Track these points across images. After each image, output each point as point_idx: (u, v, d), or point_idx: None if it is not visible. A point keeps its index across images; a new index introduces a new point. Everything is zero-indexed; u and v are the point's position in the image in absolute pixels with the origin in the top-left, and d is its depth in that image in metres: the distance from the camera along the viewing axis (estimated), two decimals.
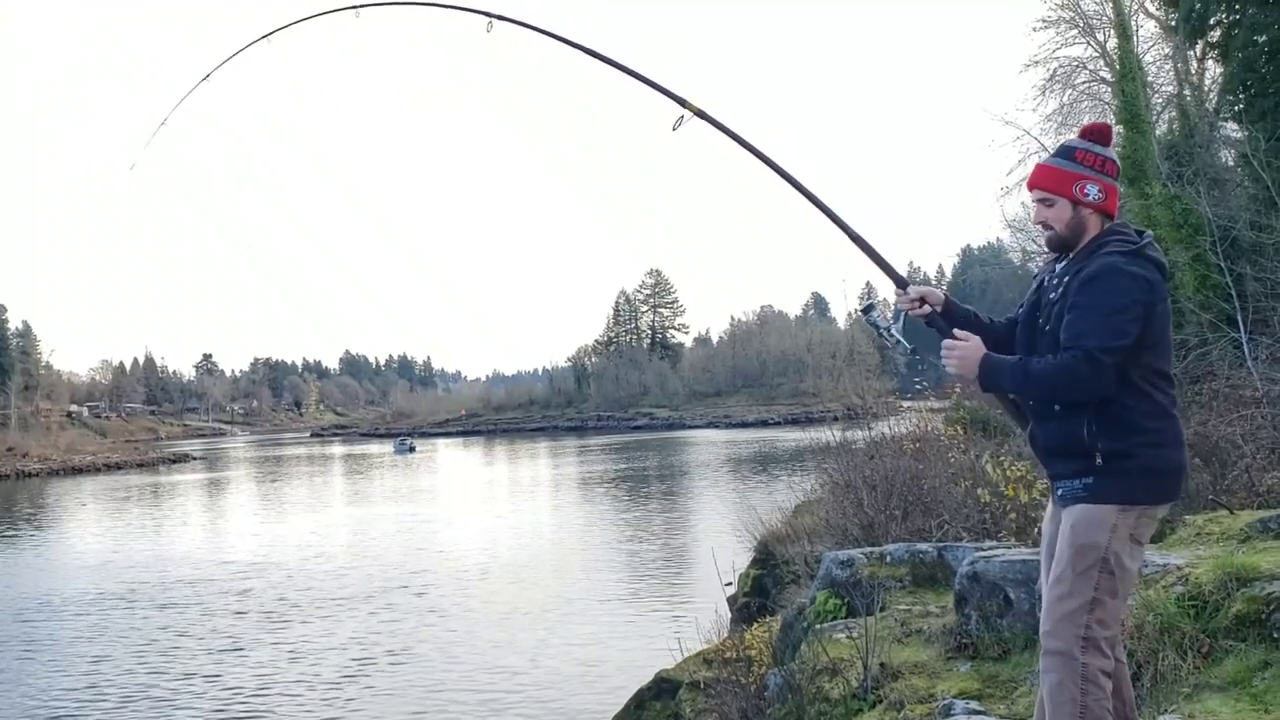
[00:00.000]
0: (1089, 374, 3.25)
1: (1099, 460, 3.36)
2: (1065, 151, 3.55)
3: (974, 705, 4.78)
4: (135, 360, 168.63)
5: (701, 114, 4.32)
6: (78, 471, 73.77)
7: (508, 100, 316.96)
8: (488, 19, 5.01)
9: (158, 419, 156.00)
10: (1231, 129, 21.52)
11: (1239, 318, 16.87)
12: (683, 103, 4.35)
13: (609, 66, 4.77)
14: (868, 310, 4.03)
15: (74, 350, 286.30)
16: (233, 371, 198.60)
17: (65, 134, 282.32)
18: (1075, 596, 3.34)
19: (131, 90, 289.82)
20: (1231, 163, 21.52)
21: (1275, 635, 4.25)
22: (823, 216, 4.27)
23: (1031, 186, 3.59)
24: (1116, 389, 3.30)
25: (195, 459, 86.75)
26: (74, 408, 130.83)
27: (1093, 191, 3.45)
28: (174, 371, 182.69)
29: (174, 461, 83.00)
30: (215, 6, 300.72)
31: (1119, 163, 3.54)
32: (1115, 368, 3.26)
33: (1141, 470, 3.33)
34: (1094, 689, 3.27)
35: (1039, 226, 3.63)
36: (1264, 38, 18.07)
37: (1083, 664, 3.29)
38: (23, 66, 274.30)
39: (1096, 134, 3.55)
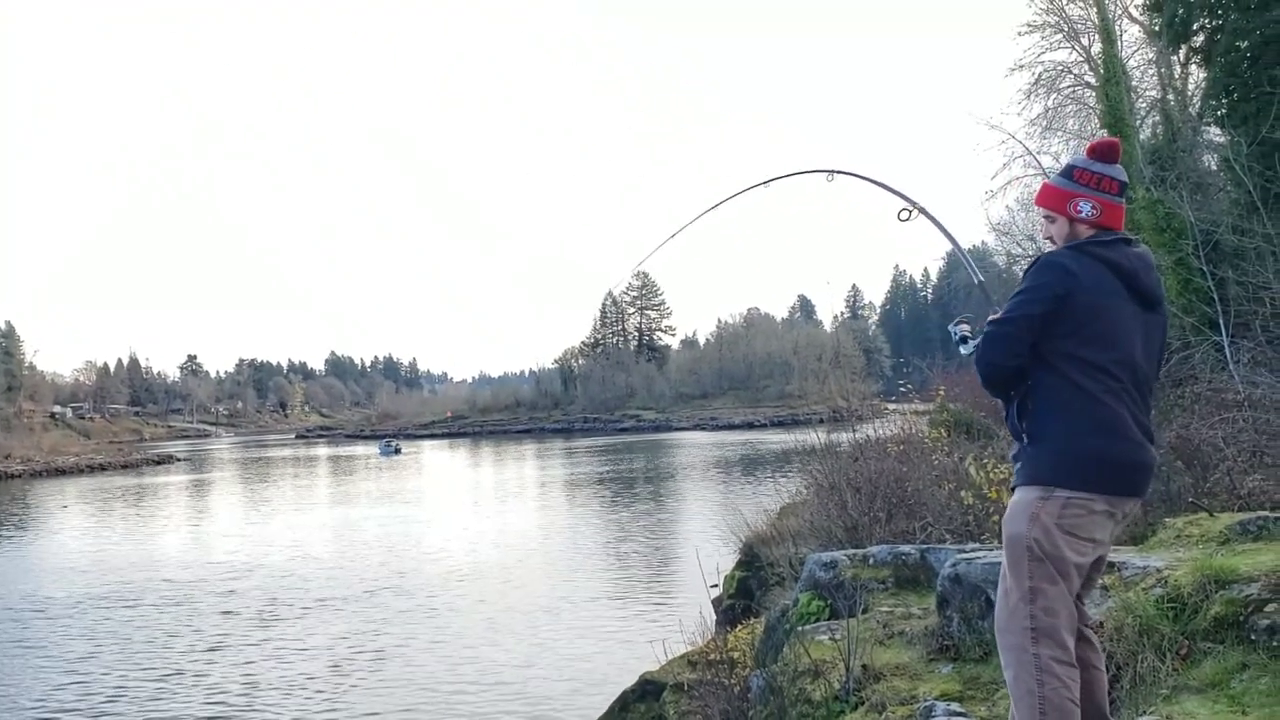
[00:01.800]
0: (978, 346, 3.60)
1: (1025, 441, 3.51)
2: (1066, 170, 3.69)
3: (955, 707, 4.79)
4: (119, 361, 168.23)
5: (924, 211, 5.40)
6: (61, 473, 73.35)
7: (503, 101, 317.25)
8: (830, 173, 6.26)
9: (142, 420, 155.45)
10: (1214, 134, 21.66)
11: (1221, 321, 16.98)
12: (912, 203, 5.51)
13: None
14: (959, 324, 4.45)
15: (58, 351, 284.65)
16: (217, 372, 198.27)
17: (49, 133, 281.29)
18: (1015, 589, 3.43)
19: (121, 89, 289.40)
20: (1214, 167, 21.67)
21: (1253, 637, 4.27)
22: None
23: (1037, 204, 3.78)
24: (1045, 375, 3.45)
25: (180, 460, 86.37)
26: (57, 409, 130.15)
27: (1086, 208, 3.56)
28: (158, 372, 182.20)
29: (158, 463, 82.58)
30: (208, 6, 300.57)
31: (1121, 179, 3.61)
32: (1005, 340, 3.48)
33: (1054, 452, 3.41)
34: (1050, 679, 3.30)
35: (1048, 240, 3.78)
36: (1246, 43, 18.20)
37: (1034, 655, 3.33)
38: (8, 66, 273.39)
39: (1098, 151, 3.65)
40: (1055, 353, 3.43)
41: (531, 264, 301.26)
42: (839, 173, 6.19)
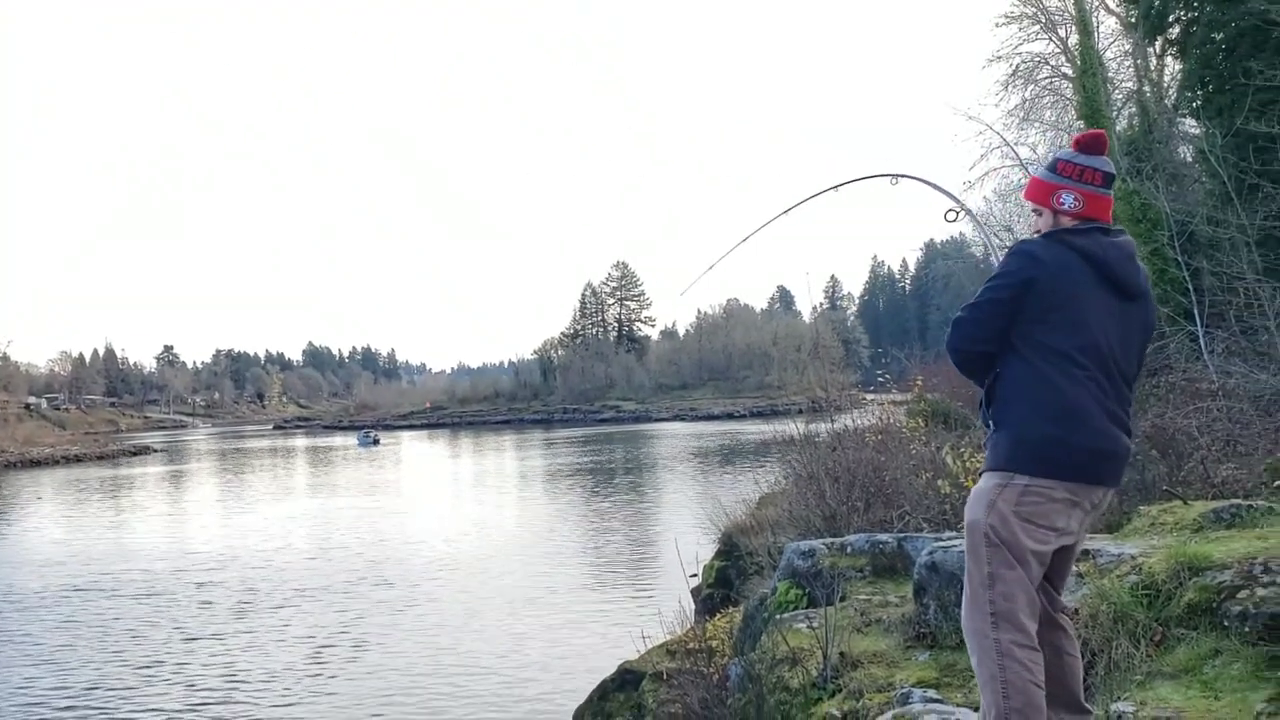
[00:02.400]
0: (948, 334, 3.63)
1: (991, 427, 3.56)
2: (1051, 164, 3.71)
3: (931, 694, 4.82)
4: (95, 351, 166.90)
5: (970, 213, 6.25)
6: (36, 464, 72.77)
7: (503, 101, 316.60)
8: (894, 177, 7.06)
9: (118, 411, 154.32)
10: (1190, 125, 21.82)
11: (1195, 311, 17.11)
12: (961, 205, 6.15)
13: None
14: None
15: (32, 341, 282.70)
16: (194, 363, 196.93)
17: (39, 131, 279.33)
18: (975, 575, 3.45)
19: (93, 83, 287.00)
20: (1189, 158, 21.82)
21: (1226, 624, 4.31)
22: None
23: (1025, 198, 3.83)
24: (1012, 361, 3.49)
25: (156, 451, 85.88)
26: (32, 399, 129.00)
27: (1068, 200, 3.58)
28: (134, 363, 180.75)
29: (134, 454, 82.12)
30: (208, 6, 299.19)
31: (1106, 170, 3.61)
32: (971, 325, 3.55)
33: (1012, 439, 3.45)
34: (1011, 663, 3.33)
35: (1036, 234, 3.80)
36: (1221, 35, 18.33)
37: (994, 640, 3.36)
38: (8, 66, 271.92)
39: (1082, 144, 3.67)
40: (1021, 339, 3.46)
41: (530, 262, 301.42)
42: (902, 177, 6.97)
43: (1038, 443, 3.39)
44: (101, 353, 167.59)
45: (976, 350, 3.56)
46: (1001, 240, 28.53)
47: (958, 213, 5.61)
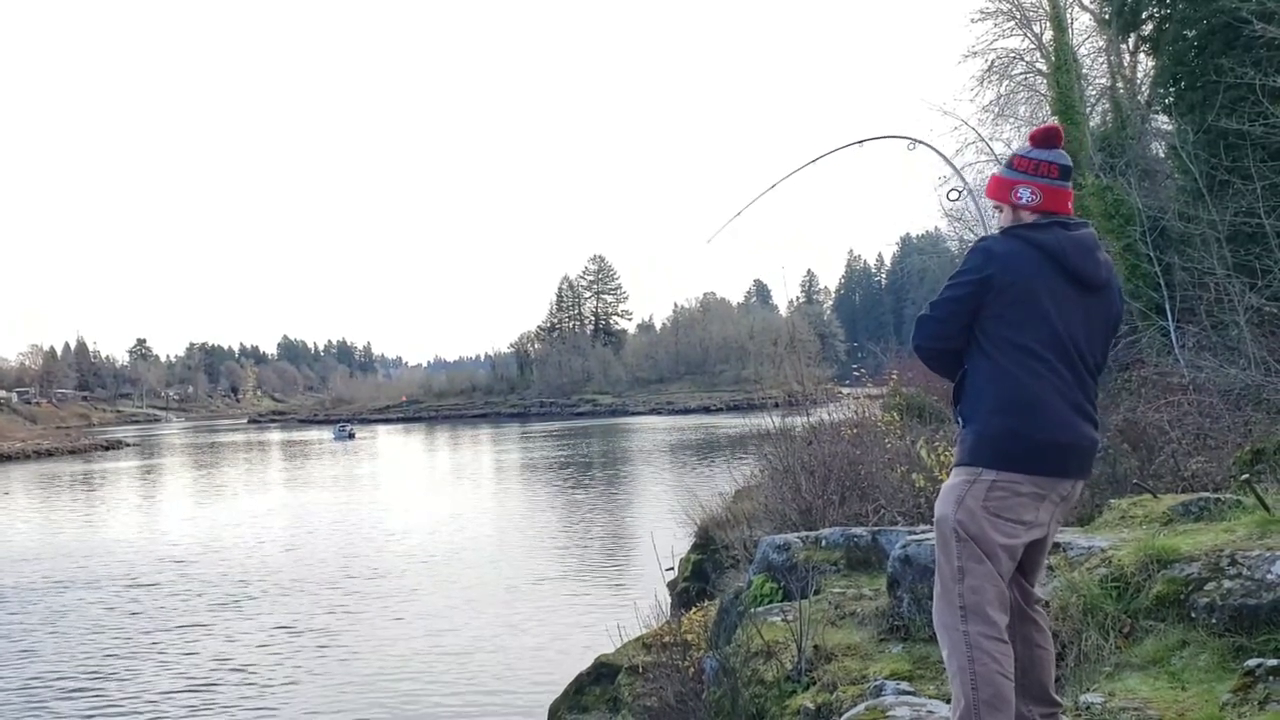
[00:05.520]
0: (914, 332, 3.66)
1: (960, 423, 3.59)
2: (1009, 160, 3.75)
3: (904, 686, 4.86)
4: (67, 345, 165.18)
5: (972, 194, 6.88)
6: (7, 459, 72.03)
7: (503, 101, 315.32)
8: (911, 142, 7.75)
9: (90, 405, 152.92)
10: (1162, 121, 21.97)
11: (1167, 306, 17.25)
12: (967, 185, 7.46)
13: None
14: None
15: (2, 335, 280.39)
16: (168, 356, 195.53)
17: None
18: (945, 569, 3.48)
19: (65, 76, 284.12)
20: (1162, 154, 21.98)
21: (1193, 615, 4.37)
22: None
23: (986, 196, 3.85)
24: (976, 358, 3.52)
25: (129, 445, 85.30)
26: (2, 393, 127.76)
27: (1025, 194, 3.60)
28: (107, 356, 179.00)
29: (107, 448, 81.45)
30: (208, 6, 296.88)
31: (1062, 163, 3.63)
32: (931, 323, 3.59)
33: (976, 434, 3.48)
34: (981, 655, 3.36)
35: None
36: (1193, 32, 18.47)
37: (964, 632, 3.39)
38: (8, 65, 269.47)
39: (1037, 138, 3.70)
40: (983, 335, 3.49)
41: (472, 247, 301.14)
42: (919, 143, 7.76)
43: (1000, 437, 3.41)
44: (73, 346, 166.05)
45: (940, 348, 3.60)
46: (974, 233, 28.71)
47: (959, 193, 5.75)
